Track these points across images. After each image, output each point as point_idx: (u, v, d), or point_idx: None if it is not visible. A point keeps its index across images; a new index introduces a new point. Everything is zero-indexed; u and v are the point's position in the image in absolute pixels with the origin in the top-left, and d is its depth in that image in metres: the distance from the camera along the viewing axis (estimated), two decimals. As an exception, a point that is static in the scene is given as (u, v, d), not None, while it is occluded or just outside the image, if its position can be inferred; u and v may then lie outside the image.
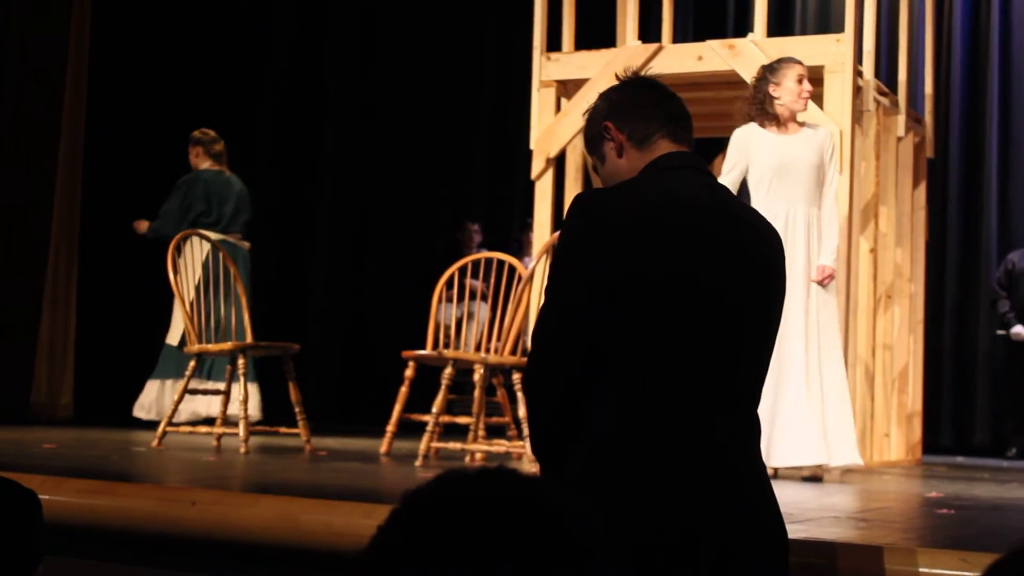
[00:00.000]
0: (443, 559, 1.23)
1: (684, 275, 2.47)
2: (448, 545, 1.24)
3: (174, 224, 7.93)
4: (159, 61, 9.88)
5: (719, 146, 8.17)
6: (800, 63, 6.02)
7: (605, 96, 2.78)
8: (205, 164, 8.21)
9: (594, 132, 2.75)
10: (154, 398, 7.95)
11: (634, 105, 2.70)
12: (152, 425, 7.22)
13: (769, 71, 5.99)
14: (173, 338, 7.96)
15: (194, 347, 6.33)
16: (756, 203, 5.81)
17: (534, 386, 2.58)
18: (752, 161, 5.94)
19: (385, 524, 1.29)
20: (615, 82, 2.81)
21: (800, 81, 5.95)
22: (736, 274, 2.52)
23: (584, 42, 7.21)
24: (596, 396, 2.48)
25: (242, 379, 6.17)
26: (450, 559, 1.23)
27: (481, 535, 1.24)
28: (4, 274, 8.56)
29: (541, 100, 7.11)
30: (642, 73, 2.84)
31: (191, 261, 6.85)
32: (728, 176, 5.89)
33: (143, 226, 8.17)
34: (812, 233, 5.93)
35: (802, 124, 6.04)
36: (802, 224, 5.92)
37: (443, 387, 5.87)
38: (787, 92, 5.93)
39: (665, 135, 2.67)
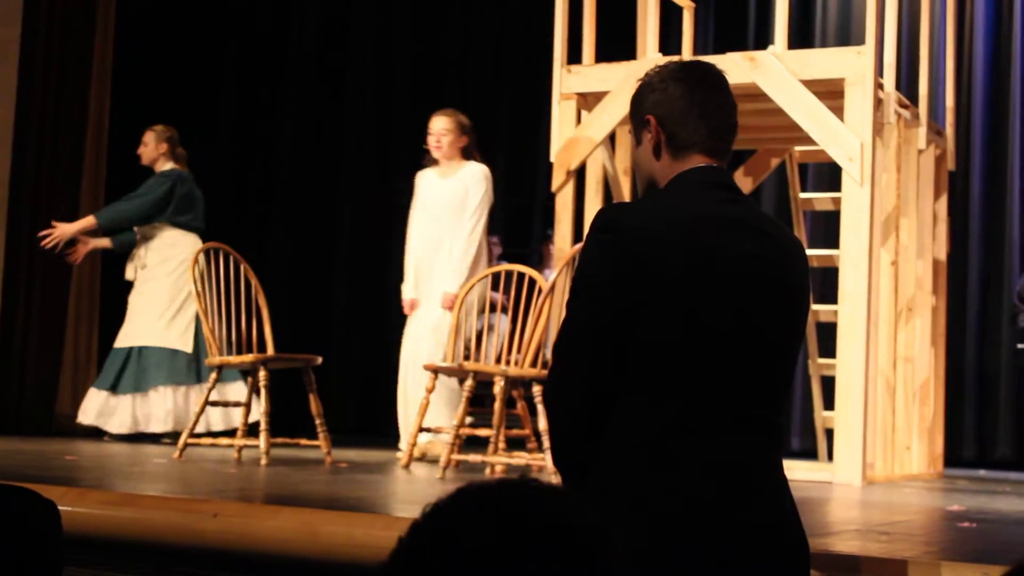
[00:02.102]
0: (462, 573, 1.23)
1: (706, 290, 2.47)
2: (465, 560, 1.24)
3: (143, 216, 7.83)
4: (181, 75, 9.93)
5: (740, 159, 8.17)
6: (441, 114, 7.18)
7: (662, 80, 2.66)
8: (169, 164, 7.99)
9: (638, 112, 2.69)
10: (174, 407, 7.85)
11: (684, 110, 2.62)
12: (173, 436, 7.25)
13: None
14: (182, 344, 7.85)
15: (215, 359, 6.34)
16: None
17: (555, 399, 2.58)
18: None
19: (405, 537, 1.30)
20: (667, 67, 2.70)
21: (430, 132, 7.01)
22: (759, 289, 2.51)
23: (604, 55, 7.21)
24: (616, 410, 2.48)
25: (263, 391, 6.18)
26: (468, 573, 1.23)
27: (498, 550, 1.24)
28: (28, 288, 8.60)
29: (561, 112, 7.11)
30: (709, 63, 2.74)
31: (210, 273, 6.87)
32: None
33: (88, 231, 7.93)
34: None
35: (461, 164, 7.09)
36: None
37: (464, 399, 5.88)
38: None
39: (703, 149, 2.62)
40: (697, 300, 2.46)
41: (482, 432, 6.15)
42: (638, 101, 2.70)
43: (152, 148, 8.03)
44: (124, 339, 7.92)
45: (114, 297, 9.17)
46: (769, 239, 2.58)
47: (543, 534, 1.26)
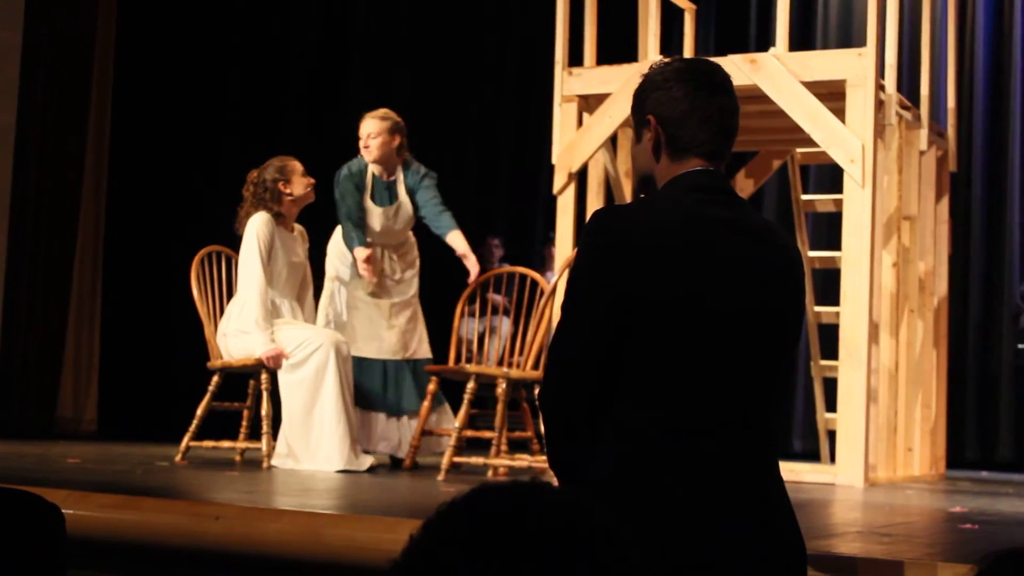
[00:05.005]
0: (476, 573, 1.24)
1: (698, 293, 2.47)
2: (478, 560, 1.24)
3: None
4: (182, 80, 9.93)
5: (741, 160, 8.17)
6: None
7: (666, 79, 2.65)
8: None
9: (639, 110, 2.68)
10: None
11: (685, 112, 2.61)
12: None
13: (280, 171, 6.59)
14: None
15: (217, 362, 6.35)
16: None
17: (550, 402, 2.58)
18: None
19: (418, 535, 1.30)
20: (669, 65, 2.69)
21: (305, 174, 6.60)
22: (752, 293, 2.52)
23: (606, 57, 7.22)
24: (611, 412, 2.49)
25: (265, 394, 6.19)
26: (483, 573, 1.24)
27: (511, 551, 1.25)
28: (30, 291, 8.61)
29: (563, 115, 7.12)
30: (716, 63, 2.73)
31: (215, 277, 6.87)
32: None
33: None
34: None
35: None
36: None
37: (466, 401, 5.88)
38: (298, 186, 6.60)
39: (701, 153, 2.61)
40: (690, 303, 2.47)
41: (484, 434, 6.17)
42: (640, 98, 2.69)
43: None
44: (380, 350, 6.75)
45: (115, 299, 9.18)
46: (763, 242, 2.58)
47: (558, 536, 1.26)
